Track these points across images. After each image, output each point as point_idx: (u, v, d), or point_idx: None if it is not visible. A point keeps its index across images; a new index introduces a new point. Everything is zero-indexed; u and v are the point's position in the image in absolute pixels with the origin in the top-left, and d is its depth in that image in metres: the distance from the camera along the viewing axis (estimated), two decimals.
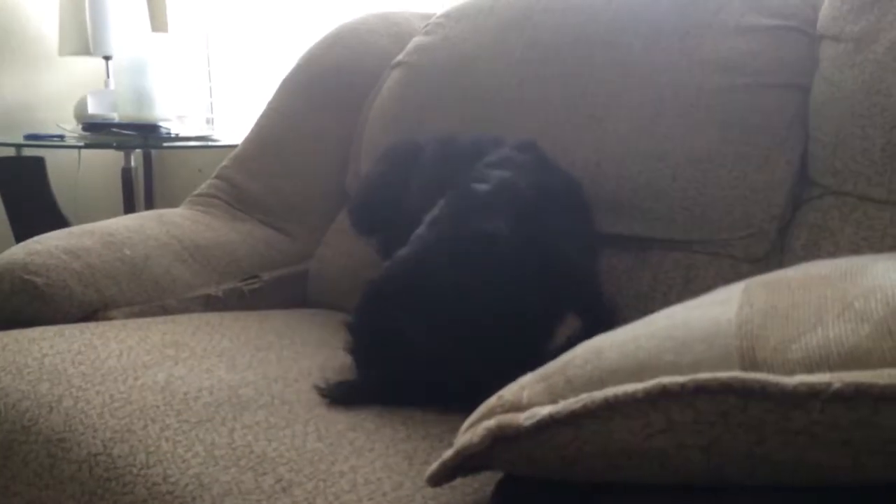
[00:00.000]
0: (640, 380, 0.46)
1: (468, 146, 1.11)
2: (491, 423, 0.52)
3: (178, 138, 2.25)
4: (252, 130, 1.57)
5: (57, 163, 2.42)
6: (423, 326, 0.85)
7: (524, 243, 0.89)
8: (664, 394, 0.44)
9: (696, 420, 0.44)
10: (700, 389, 0.43)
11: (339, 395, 0.86)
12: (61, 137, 2.27)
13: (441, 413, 0.83)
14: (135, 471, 0.73)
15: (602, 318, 0.91)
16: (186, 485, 0.69)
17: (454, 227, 0.92)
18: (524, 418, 0.50)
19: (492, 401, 0.55)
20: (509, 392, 0.55)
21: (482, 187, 0.95)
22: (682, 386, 0.44)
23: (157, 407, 0.81)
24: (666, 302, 0.96)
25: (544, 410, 0.50)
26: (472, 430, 0.54)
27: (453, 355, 0.84)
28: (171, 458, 0.73)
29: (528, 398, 0.52)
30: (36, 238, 1.20)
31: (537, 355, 0.84)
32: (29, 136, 2.27)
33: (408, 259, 0.91)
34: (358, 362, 0.92)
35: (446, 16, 1.44)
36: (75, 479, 0.77)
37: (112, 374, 0.89)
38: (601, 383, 0.49)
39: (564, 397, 0.50)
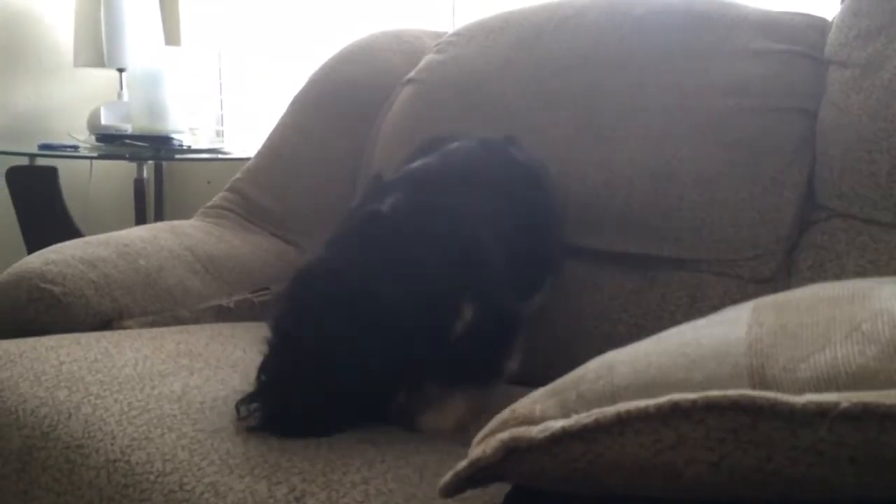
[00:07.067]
0: (651, 396, 0.47)
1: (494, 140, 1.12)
2: (504, 435, 0.53)
3: (190, 150, 2.27)
4: (264, 144, 1.59)
5: (70, 173, 2.44)
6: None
7: (409, 218, 0.85)
8: (675, 410, 0.45)
9: (707, 436, 0.45)
10: (711, 406, 0.44)
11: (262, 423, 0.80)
12: (75, 148, 2.30)
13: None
14: (152, 478, 0.74)
15: (493, 315, 0.85)
16: (202, 493, 0.71)
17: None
18: (537, 431, 0.51)
19: (504, 414, 0.56)
20: (521, 406, 0.56)
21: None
22: (694, 403, 0.45)
23: (174, 416, 0.82)
24: (673, 321, 0.97)
25: (557, 424, 0.50)
26: (486, 442, 0.55)
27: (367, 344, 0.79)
28: (188, 466, 0.74)
29: (540, 412, 0.53)
30: (52, 247, 1.22)
31: (442, 344, 0.82)
32: (43, 146, 2.29)
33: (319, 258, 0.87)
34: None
35: (457, 34, 1.46)
36: (93, 484, 0.78)
37: (129, 383, 0.90)
38: (613, 398, 0.50)
39: (577, 412, 0.51)
